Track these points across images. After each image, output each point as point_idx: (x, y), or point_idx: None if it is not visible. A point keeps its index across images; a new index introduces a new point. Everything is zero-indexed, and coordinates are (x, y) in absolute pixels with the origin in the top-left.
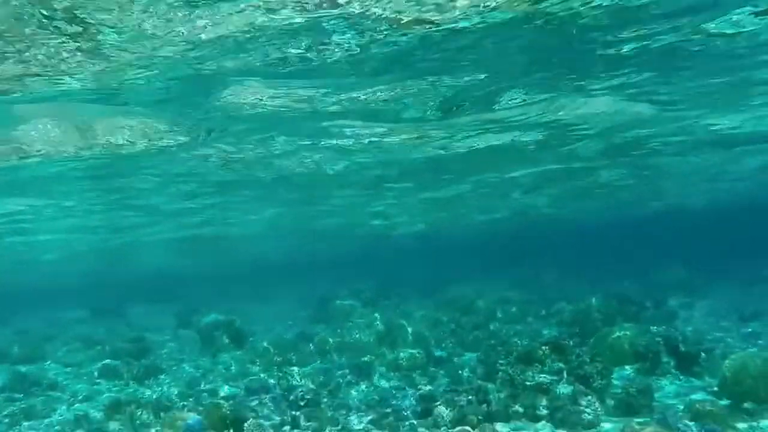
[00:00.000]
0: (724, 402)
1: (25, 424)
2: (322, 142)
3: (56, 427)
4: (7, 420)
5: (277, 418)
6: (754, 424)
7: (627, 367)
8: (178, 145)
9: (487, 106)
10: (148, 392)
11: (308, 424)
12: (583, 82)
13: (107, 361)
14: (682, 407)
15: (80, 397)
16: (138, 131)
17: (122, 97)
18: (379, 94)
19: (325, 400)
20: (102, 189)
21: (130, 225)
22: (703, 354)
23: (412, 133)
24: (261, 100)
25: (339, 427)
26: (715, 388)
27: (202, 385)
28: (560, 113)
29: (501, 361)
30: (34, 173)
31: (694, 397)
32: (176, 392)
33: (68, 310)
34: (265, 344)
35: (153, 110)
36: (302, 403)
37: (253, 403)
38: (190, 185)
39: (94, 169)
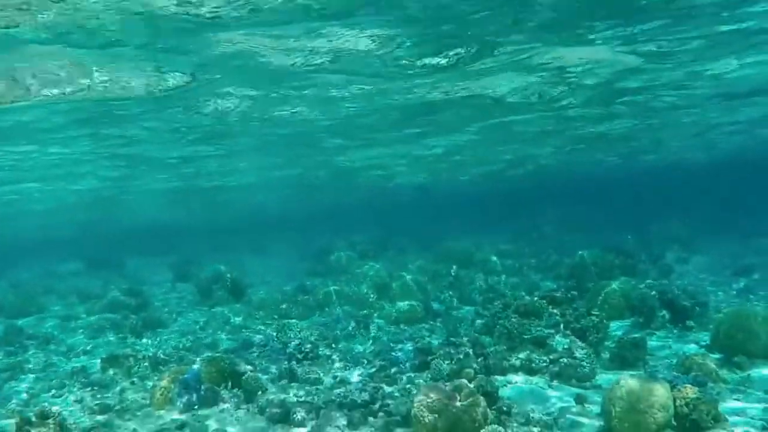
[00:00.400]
0: (716, 355)
1: (22, 377)
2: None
3: (53, 381)
4: (3, 374)
5: (275, 371)
6: (745, 377)
7: (622, 320)
8: (168, 92)
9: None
10: (145, 345)
11: (306, 376)
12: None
13: (104, 314)
14: (674, 360)
15: (77, 351)
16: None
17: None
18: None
19: (323, 352)
20: (95, 136)
21: (122, 175)
22: (697, 308)
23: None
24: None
25: (337, 380)
26: (708, 342)
27: (200, 338)
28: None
29: (499, 315)
30: (23, 117)
31: (687, 350)
32: (173, 345)
33: (64, 263)
34: (263, 297)
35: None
36: (300, 356)
37: (251, 356)
38: (183, 134)
39: (82, 113)
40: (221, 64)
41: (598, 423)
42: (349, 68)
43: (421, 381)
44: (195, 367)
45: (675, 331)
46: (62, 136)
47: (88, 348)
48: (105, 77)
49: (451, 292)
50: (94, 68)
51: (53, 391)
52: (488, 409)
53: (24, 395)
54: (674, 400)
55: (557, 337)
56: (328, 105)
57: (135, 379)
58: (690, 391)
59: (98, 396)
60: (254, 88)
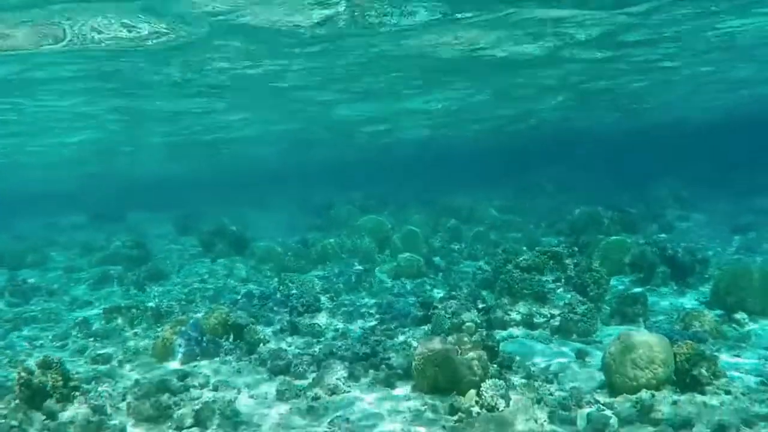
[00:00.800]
0: (716, 312)
1: (25, 329)
2: None
3: (56, 333)
4: (7, 325)
5: (276, 324)
6: (744, 333)
7: (623, 276)
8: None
9: None
10: (147, 297)
11: (307, 329)
12: None
13: (107, 266)
14: (675, 316)
15: (79, 302)
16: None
17: None
18: None
19: (325, 305)
20: (97, 88)
21: (124, 128)
22: (697, 265)
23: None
24: None
25: (338, 333)
26: (708, 299)
27: (202, 291)
28: None
29: (500, 269)
30: (27, 68)
31: (687, 306)
32: (175, 297)
33: (67, 216)
34: (264, 250)
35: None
36: (301, 309)
37: (253, 308)
38: (184, 87)
39: (86, 64)
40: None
41: (598, 378)
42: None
43: (422, 334)
44: (196, 318)
45: (675, 287)
46: (65, 89)
47: (91, 299)
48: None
49: (452, 246)
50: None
51: (56, 342)
52: (489, 363)
53: (27, 345)
54: (674, 356)
55: (558, 292)
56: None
57: (137, 331)
58: (690, 347)
59: (100, 347)
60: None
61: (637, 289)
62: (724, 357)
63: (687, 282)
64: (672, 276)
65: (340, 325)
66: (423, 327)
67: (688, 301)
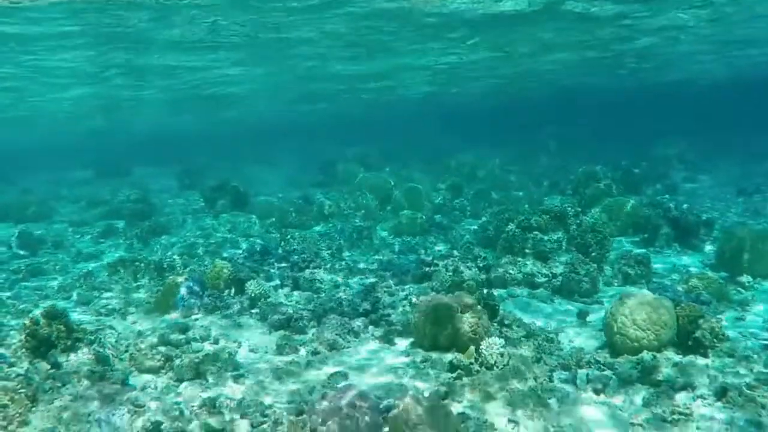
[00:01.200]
0: (720, 274)
1: (32, 280)
2: None
3: (61, 284)
4: (14, 276)
5: (278, 279)
6: (748, 296)
7: (626, 237)
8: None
9: None
10: (151, 251)
11: (308, 285)
12: None
13: (112, 221)
14: (678, 278)
15: (84, 256)
16: None
17: None
18: None
19: (326, 261)
20: (100, 44)
21: (127, 83)
22: (702, 227)
23: None
24: None
25: (339, 289)
26: (713, 261)
27: (204, 245)
28: None
29: (502, 228)
30: (27, 23)
31: (691, 269)
32: (179, 252)
33: (73, 171)
34: (267, 206)
35: None
36: (303, 264)
37: (254, 263)
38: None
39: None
40: None
41: (599, 338)
42: None
43: (423, 291)
44: (198, 272)
45: (679, 249)
46: (68, 43)
47: (95, 252)
48: None
49: (454, 204)
50: None
51: (61, 293)
52: (489, 321)
53: (34, 297)
54: (677, 318)
55: (560, 252)
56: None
57: (140, 283)
58: (693, 309)
59: (104, 299)
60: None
61: (641, 250)
62: (728, 320)
63: (691, 244)
64: (676, 237)
65: (341, 281)
66: (423, 284)
67: (692, 263)
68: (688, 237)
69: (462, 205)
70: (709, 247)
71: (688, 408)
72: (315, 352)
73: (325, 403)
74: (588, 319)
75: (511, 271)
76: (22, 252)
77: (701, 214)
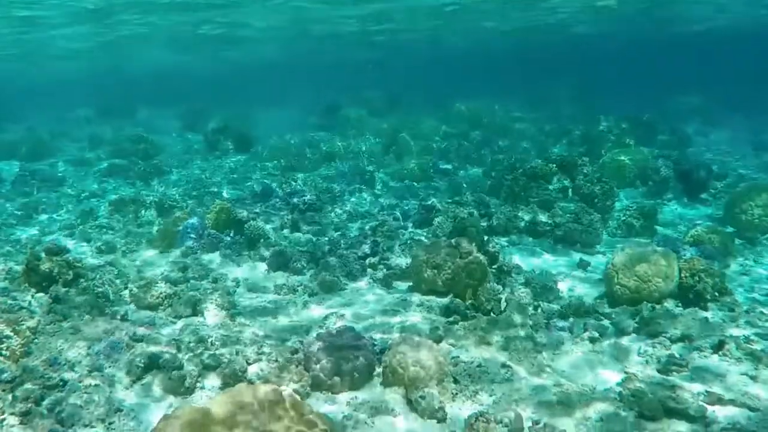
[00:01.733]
0: (728, 229)
1: (34, 216)
2: None
3: (63, 222)
4: (17, 213)
5: (278, 221)
6: (755, 253)
7: (634, 188)
8: None
9: None
10: (152, 191)
11: (308, 228)
12: None
13: (114, 160)
14: (684, 231)
15: (87, 194)
16: None
17: None
18: None
19: (327, 205)
20: None
21: (133, 20)
22: (712, 181)
23: None
24: None
25: (339, 233)
26: (721, 215)
27: (206, 186)
28: None
29: (506, 176)
30: None
31: (697, 222)
32: (179, 192)
33: (77, 110)
34: (270, 149)
35: None
36: (303, 207)
37: (255, 205)
38: None
39: None
40: None
41: (599, 289)
42: None
43: (423, 237)
44: (199, 212)
45: (687, 202)
46: None
47: (98, 191)
48: None
49: (459, 151)
50: None
51: (63, 231)
52: (488, 268)
53: (36, 234)
54: (679, 271)
55: (564, 202)
56: None
57: (141, 223)
58: (696, 263)
59: (105, 237)
60: None
61: (647, 202)
62: (732, 275)
63: (700, 197)
64: (685, 190)
65: (341, 225)
66: (424, 229)
67: (699, 216)
68: (697, 190)
69: (467, 151)
70: (717, 201)
71: (684, 360)
72: (312, 293)
73: (319, 343)
74: (589, 268)
75: (513, 219)
76: (24, 189)
77: (713, 168)
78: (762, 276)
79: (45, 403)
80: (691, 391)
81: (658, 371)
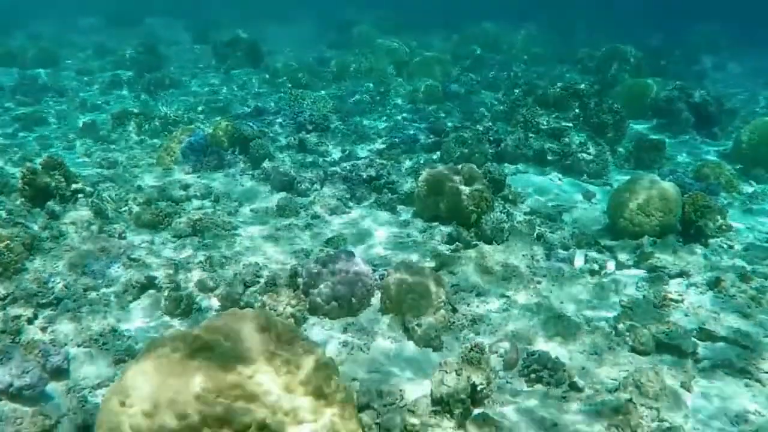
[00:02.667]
0: (735, 166)
1: (35, 128)
2: None
3: (64, 134)
4: (17, 124)
5: (284, 140)
6: (760, 190)
7: (645, 121)
8: None
9: None
10: (157, 104)
11: (315, 147)
12: None
13: (120, 70)
14: (691, 166)
15: (89, 105)
16: None
17: None
18: None
19: (335, 125)
20: None
21: None
22: (723, 116)
23: None
24: None
25: (346, 153)
26: (729, 151)
27: (212, 102)
28: None
29: (518, 102)
30: None
31: (706, 157)
32: (185, 107)
33: (83, 17)
34: (280, 65)
35: None
36: (311, 127)
37: (262, 123)
38: None
39: None
40: None
41: (602, 220)
42: None
43: (430, 162)
44: (202, 129)
45: (697, 136)
46: None
47: (101, 103)
48: None
49: (472, 75)
50: None
51: (63, 143)
52: (493, 196)
53: (35, 145)
54: (683, 206)
55: (574, 131)
56: None
57: (144, 137)
58: (700, 198)
59: (107, 151)
60: None
61: (657, 135)
62: (735, 211)
63: (711, 132)
64: (696, 125)
65: (348, 146)
66: (432, 154)
67: (708, 152)
68: (709, 125)
69: (480, 76)
70: (728, 137)
71: (680, 295)
72: (315, 216)
73: (318, 267)
74: (594, 200)
75: (522, 147)
76: (25, 99)
77: (725, 103)
78: (763, 212)
79: (38, 321)
80: (684, 326)
81: (654, 306)
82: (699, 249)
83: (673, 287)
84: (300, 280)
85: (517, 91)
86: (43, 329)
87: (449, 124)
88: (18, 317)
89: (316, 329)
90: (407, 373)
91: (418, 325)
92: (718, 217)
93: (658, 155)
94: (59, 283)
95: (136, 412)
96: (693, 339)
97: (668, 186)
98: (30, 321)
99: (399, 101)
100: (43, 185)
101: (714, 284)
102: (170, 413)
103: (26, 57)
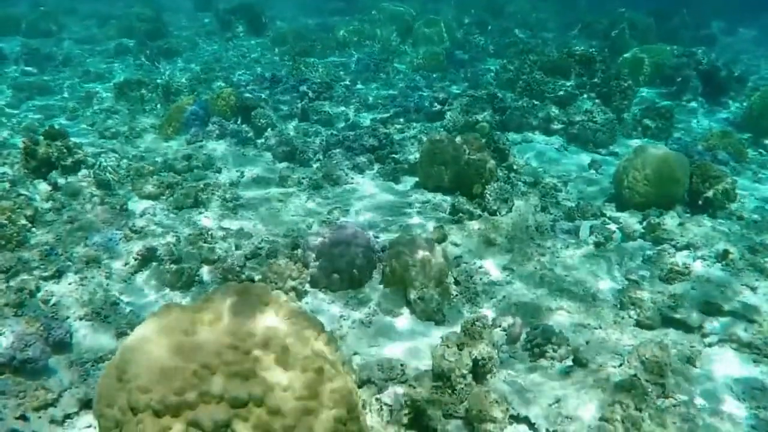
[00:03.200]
0: (745, 135)
1: (37, 98)
2: None
3: (66, 104)
4: (20, 94)
5: (286, 109)
6: None
7: (653, 88)
8: None
9: None
10: (159, 74)
11: (317, 117)
12: None
13: (122, 39)
14: (699, 135)
15: (92, 75)
16: None
17: None
18: None
19: (338, 93)
20: None
21: None
22: (734, 83)
23: None
24: None
25: (349, 122)
26: (739, 120)
27: (214, 70)
28: None
29: (523, 69)
30: None
31: (715, 126)
32: (187, 77)
33: None
34: (283, 32)
35: None
36: (313, 96)
37: (264, 92)
38: None
39: None
40: None
41: (608, 190)
42: None
43: (433, 130)
44: (204, 98)
45: (706, 104)
46: None
47: (104, 72)
48: None
49: (477, 41)
50: None
51: (66, 114)
52: (497, 165)
53: (38, 115)
54: (690, 176)
55: (581, 99)
56: None
57: (146, 107)
58: (708, 168)
59: (109, 121)
60: None
61: (666, 103)
62: (744, 181)
63: (720, 100)
64: (705, 92)
65: (351, 115)
66: (435, 123)
67: (717, 121)
68: (718, 93)
69: (485, 42)
70: (737, 106)
71: (687, 267)
72: (317, 186)
73: (320, 239)
74: (600, 170)
75: (527, 116)
76: (28, 68)
77: (735, 70)
78: None
79: (40, 294)
80: (691, 300)
81: (660, 279)
82: (707, 220)
83: (680, 259)
84: (300, 252)
85: (522, 57)
86: (45, 302)
87: (453, 91)
88: (21, 290)
89: (317, 302)
90: (408, 346)
91: (420, 298)
92: (726, 187)
93: (666, 124)
94: (61, 255)
95: (133, 386)
96: (700, 312)
97: (675, 155)
98: (32, 294)
99: (403, 68)
100: (45, 156)
101: (721, 256)
102: (168, 387)
103: (29, 25)
